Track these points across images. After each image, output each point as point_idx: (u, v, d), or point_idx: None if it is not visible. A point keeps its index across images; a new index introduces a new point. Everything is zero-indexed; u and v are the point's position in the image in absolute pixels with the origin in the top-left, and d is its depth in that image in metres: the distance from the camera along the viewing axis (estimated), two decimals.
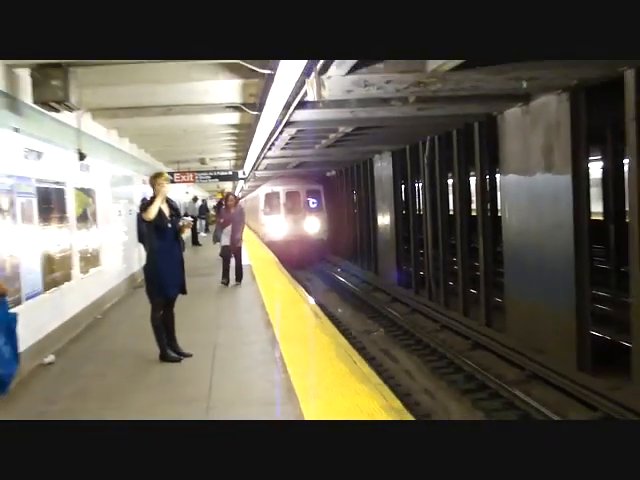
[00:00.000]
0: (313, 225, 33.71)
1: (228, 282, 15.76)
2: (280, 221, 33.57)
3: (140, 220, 8.46)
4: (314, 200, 34.08)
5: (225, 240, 15.88)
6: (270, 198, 34.11)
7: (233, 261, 15.92)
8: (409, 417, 6.17)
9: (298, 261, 30.71)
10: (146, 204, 8.32)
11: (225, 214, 16.30)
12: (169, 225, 8.47)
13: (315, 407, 6.43)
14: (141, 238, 8.77)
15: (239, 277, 15.95)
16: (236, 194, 32.56)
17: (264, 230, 34.07)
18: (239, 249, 16.04)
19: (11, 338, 5.12)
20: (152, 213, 8.21)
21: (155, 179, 8.45)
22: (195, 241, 29.31)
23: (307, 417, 6.18)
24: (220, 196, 23.03)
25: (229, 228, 15.78)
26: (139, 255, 15.40)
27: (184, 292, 8.81)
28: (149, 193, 8.60)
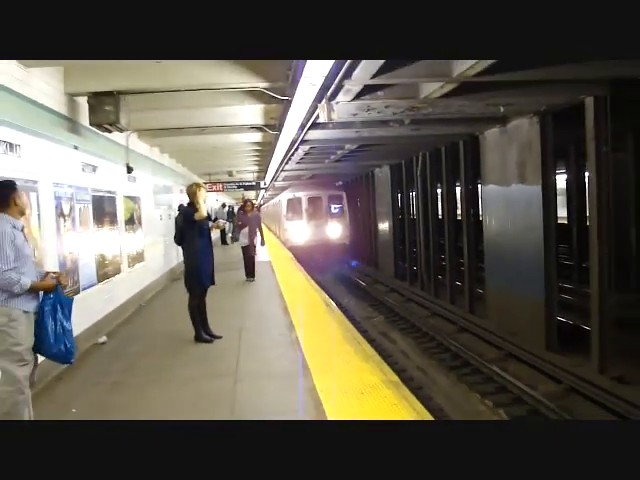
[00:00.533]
0: (335, 230, 29.05)
1: (253, 277, 15.41)
2: (302, 226, 29.05)
3: (185, 222, 8.48)
4: (336, 206, 29.47)
5: (244, 241, 15.50)
6: (292, 204, 29.55)
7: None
8: (406, 390, 6.18)
9: (320, 266, 26.66)
10: (192, 209, 8.41)
11: (243, 217, 15.89)
12: (205, 227, 8.56)
13: (325, 380, 6.47)
14: (179, 240, 8.79)
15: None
16: (256, 200, 32.20)
17: (286, 235, 29.81)
18: (254, 247, 15.64)
19: (69, 318, 5.23)
20: (204, 211, 8.39)
21: (197, 188, 8.53)
22: (224, 241, 29.34)
23: (318, 387, 6.23)
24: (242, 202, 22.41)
25: (246, 230, 15.40)
26: (177, 253, 15.44)
27: (213, 283, 8.86)
28: (185, 201, 8.66)
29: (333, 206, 29.44)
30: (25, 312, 4.92)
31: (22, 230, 5.10)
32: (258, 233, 15.70)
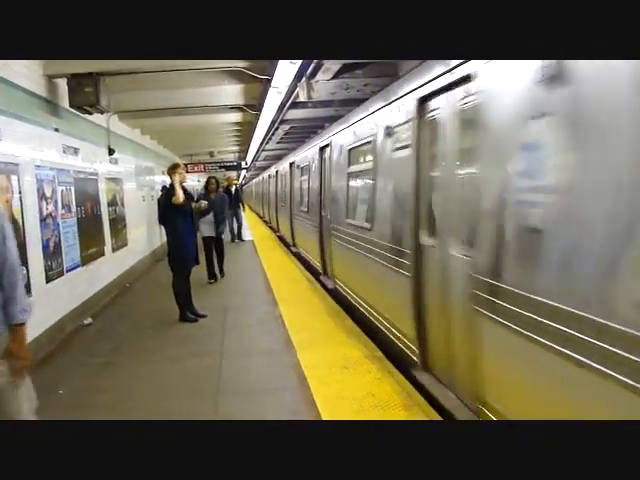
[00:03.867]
0: None
1: (216, 278, 12.27)
2: None
3: (164, 204, 8.40)
4: None
5: (206, 230, 12.20)
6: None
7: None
8: (389, 364, 6.20)
9: None
10: (171, 193, 8.30)
11: (205, 200, 10.79)
12: (187, 208, 8.48)
13: (309, 356, 6.49)
14: (162, 220, 8.74)
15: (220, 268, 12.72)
16: (238, 180, 31.11)
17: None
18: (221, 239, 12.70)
19: None
20: (180, 197, 8.22)
21: (173, 169, 8.45)
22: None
23: (302, 362, 6.24)
24: (227, 182, 20.09)
25: (210, 217, 11.91)
26: (160, 234, 15.35)
27: (197, 262, 8.83)
28: (168, 182, 8.60)
29: None
30: None
31: None
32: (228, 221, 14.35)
